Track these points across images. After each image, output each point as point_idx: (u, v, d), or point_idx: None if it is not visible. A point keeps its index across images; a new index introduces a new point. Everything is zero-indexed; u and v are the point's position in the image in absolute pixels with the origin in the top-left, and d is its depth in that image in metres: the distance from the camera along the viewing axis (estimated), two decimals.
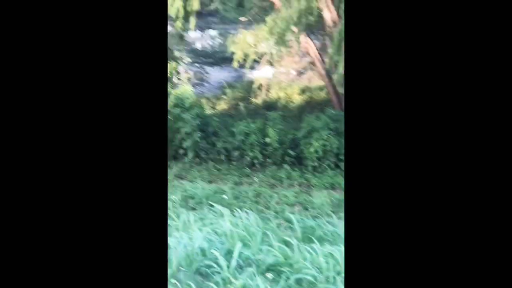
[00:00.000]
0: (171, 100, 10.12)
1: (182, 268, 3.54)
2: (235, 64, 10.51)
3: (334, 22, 9.61)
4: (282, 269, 3.62)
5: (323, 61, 10.59)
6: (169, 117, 10.13)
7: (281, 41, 8.64)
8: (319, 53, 10.92)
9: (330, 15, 9.58)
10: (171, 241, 3.87)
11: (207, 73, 18.28)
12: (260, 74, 14.15)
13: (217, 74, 17.94)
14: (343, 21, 8.09)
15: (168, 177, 8.75)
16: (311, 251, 3.90)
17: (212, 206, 6.33)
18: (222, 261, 3.45)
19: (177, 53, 15.42)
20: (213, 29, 19.88)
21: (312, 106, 13.94)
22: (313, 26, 9.84)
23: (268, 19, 8.77)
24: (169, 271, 3.43)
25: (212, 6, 11.86)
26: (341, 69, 8.37)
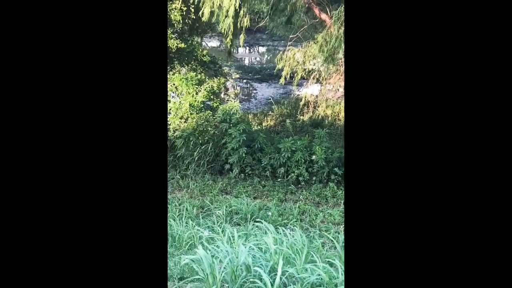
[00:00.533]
0: (218, 115, 10.24)
1: (225, 285, 3.53)
2: (282, 81, 10.55)
3: None
4: None
5: None
6: (215, 132, 10.25)
7: (331, 59, 8.60)
8: None
9: None
10: (215, 255, 3.88)
11: (254, 89, 18.47)
12: (308, 91, 14.14)
13: (264, 91, 18.07)
14: None
15: (213, 192, 8.83)
16: None
17: (256, 222, 6.31)
18: (266, 278, 3.42)
19: (225, 69, 15.65)
20: (262, 45, 20.11)
21: None
22: None
23: (319, 37, 8.76)
24: (213, 286, 3.43)
25: (262, 23, 11.99)
26: None
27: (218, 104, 11.62)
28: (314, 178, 9.50)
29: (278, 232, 5.11)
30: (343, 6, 8.42)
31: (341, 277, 3.72)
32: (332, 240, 5.98)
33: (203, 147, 10.18)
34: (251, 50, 24.51)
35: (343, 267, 3.91)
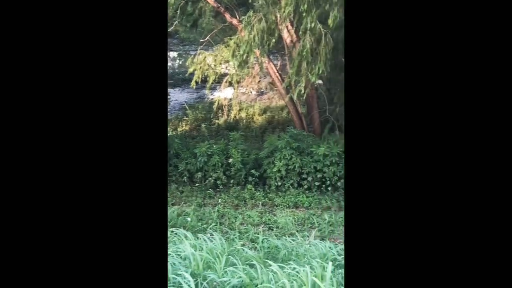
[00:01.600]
0: None
1: None
2: (193, 84, 10.48)
3: (293, 43, 9.77)
4: None
5: (283, 81, 10.71)
6: None
7: (243, 62, 8.68)
8: (279, 73, 11.04)
9: (289, 35, 9.73)
10: None
11: (167, 94, 18.22)
12: (221, 95, 14.19)
13: (178, 96, 17.89)
14: (301, 42, 8.21)
15: None
16: (276, 271, 3.87)
17: (175, 229, 6.22)
18: (186, 286, 3.38)
19: None
20: (173, 50, 19.89)
21: (273, 126, 14.04)
22: (273, 47, 9.95)
23: (231, 42, 8.81)
24: None
25: (171, 28, 11.86)
26: (301, 88, 8.47)
27: None
28: (232, 181, 9.56)
29: (197, 238, 5.07)
30: (252, 11, 8.52)
31: (262, 277, 3.76)
32: (251, 241, 6.04)
33: None
34: None
35: (263, 267, 3.96)
